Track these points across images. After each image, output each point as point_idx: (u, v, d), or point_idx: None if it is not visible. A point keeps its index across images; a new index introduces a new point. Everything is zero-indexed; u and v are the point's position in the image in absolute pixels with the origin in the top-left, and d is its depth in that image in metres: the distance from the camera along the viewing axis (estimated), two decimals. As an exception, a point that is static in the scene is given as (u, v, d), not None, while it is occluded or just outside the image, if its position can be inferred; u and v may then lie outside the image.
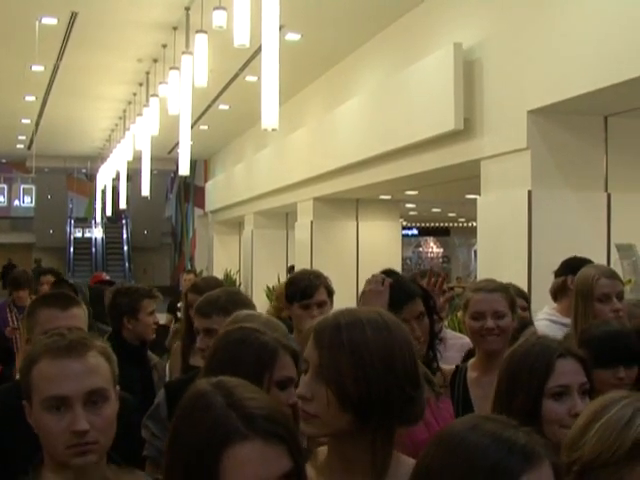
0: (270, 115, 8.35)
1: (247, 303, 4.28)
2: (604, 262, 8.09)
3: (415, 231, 32.99)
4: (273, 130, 8.80)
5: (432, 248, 34.79)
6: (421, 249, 34.68)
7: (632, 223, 8.61)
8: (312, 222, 15.75)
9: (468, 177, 10.19)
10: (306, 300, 4.58)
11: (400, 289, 3.58)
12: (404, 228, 29.52)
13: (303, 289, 4.63)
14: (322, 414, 2.09)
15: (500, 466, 1.47)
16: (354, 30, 12.55)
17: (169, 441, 1.77)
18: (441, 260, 34.20)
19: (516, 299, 3.97)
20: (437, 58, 9.89)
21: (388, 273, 3.79)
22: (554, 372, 2.61)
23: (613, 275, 4.32)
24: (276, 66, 8.32)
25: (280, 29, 10.35)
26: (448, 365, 4.00)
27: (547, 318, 4.91)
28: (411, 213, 24.35)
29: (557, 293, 5.28)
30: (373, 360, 2.08)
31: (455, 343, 4.82)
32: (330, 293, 4.75)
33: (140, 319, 5.50)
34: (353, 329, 2.14)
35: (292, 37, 12.74)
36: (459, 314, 6.93)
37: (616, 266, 8.09)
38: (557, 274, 5.51)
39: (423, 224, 32.01)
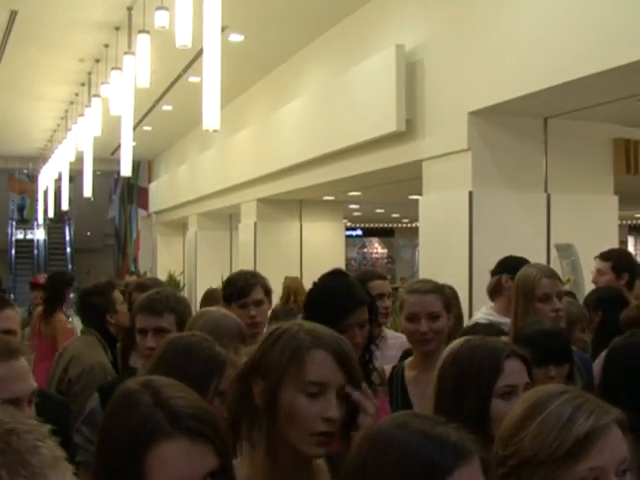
0: (212, 116, 8.34)
1: (187, 304, 4.29)
2: (544, 262, 8.18)
3: (359, 232, 33.06)
4: (215, 131, 8.77)
5: (377, 249, 34.86)
6: (366, 250, 34.74)
7: (571, 223, 8.74)
8: (256, 223, 15.73)
9: (410, 178, 10.25)
10: (243, 299, 4.60)
11: (351, 295, 3.60)
12: (348, 229, 29.58)
13: (240, 289, 4.66)
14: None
15: (432, 463, 1.48)
16: (297, 32, 12.56)
17: (97, 440, 1.78)
18: (385, 261, 34.30)
19: (452, 299, 4.00)
20: (379, 60, 9.94)
21: (337, 274, 3.79)
22: (503, 372, 2.63)
23: (553, 275, 4.36)
24: (218, 67, 8.30)
25: (223, 30, 10.36)
26: (389, 364, 4.02)
27: (484, 317, 4.95)
28: (355, 214, 24.41)
29: (493, 292, 5.33)
30: None
31: (395, 342, 4.85)
32: (267, 292, 4.77)
33: (119, 310, 5.72)
34: None
35: (235, 38, 12.71)
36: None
37: (555, 265, 8.20)
38: (493, 273, 5.57)
39: (367, 225, 32.12)
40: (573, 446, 1.77)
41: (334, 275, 3.77)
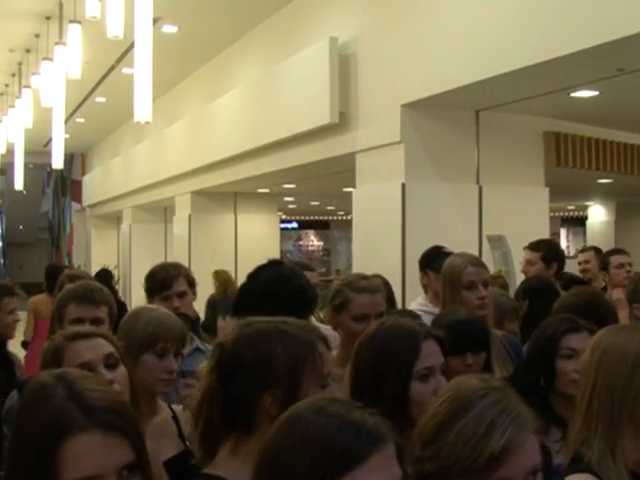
0: (143, 107, 8.27)
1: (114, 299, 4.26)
2: (476, 253, 8.27)
3: (295, 224, 33.09)
4: (147, 123, 8.71)
5: (312, 241, 34.90)
6: (301, 242, 34.75)
7: (502, 215, 8.84)
8: (190, 216, 15.67)
9: (344, 170, 10.27)
10: (165, 292, 4.55)
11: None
12: (284, 221, 29.57)
13: (161, 281, 4.59)
14: None
15: (349, 448, 1.49)
16: (232, 23, 12.50)
17: (11, 434, 1.75)
18: (321, 253, 34.36)
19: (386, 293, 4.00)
20: (313, 52, 9.94)
21: (275, 264, 3.76)
22: (421, 354, 2.64)
23: (479, 263, 4.39)
24: (149, 58, 8.24)
25: (157, 21, 10.28)
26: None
27: (418, 308, 4.97)
28: (290, 206, 24.41)
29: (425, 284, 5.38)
30: None
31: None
32: (191, 283, 4.72)
33: (0, 318, 5.30)
34: None
35: (169, 29, 12.62)
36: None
37: (487, 257, 8.30)
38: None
39: (303, 217, 32.14)
40: (489, 460, 1.79)
41: (272, 263, 3.75)
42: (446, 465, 1.83)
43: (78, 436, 1.58)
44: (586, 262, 7.12)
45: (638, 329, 2.69)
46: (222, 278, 11.60)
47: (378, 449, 1.51)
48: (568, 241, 30.38)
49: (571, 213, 27.27)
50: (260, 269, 3.72)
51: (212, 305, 11.33)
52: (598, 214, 21.15)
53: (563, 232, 30.35)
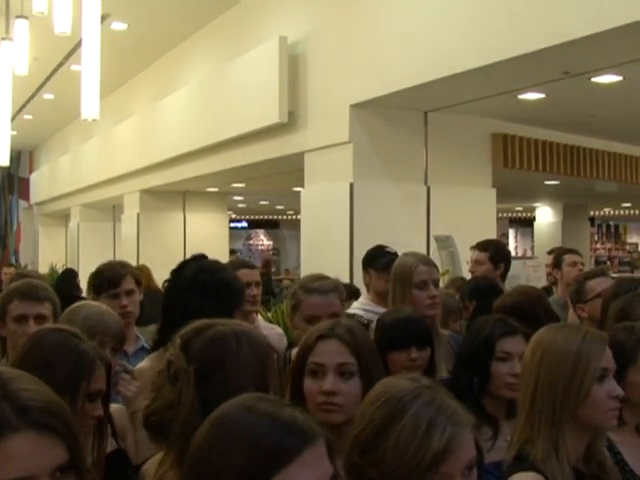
0: (91, 105, 8.21)
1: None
2: (423, 253, 8.32)
3: (245, 224, 33.01)
4: (94, 120, 8.64)
5: (262, 240, 34.84)
6: (251, 241, 34.67)
7: (450, 215, 8.91)
8: (139, 214, 15.59)
9: (294, 170, 10.28)
10: (113, 289, 4.50)
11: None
12: (233, 221, 29.47)
13: (110, 279, 4.54)
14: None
15: (281, 446, 1.48)
16: (182, 21, 12.45)
17: None
18: (271, 252, 34.28)
19: (344, 293, 3.97)
20: (262, 51, 9.93)
21: (199, 258, 3.75)
22: (313, 351, 2.66)
23: (430, 262, 4.40)
24: (97, 55, 8.18)
25: (106, 18, 10.19)
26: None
27: (361, 307, 4.98)
28: (240, 205, 24.33)
29: (368, 284, 5.39)
30: None
31: (269, 333, 4.82)
32: (138, 282, 4.69)
33: None
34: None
35: (118, 26, 12.53)
36: (283, 306, 6.95)
37: (434, 257, 8.33)
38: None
39: (252, 217, 32.06)
40: (432, 460, 1.80)
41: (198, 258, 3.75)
42: (390, 470, 1.83)
43: (11, 437, 1.56)
44: (548, 266, 7.17)
45: (578, 328, 2.73)
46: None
47: (310, 446, 1.51)
48: (516, 242, 30.64)
49: (519, 214, 27.51)
50: (184, 264, 3.72)
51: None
52: (545, 215, 21.36)
53: (511, 233, 30.60)
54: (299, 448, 1.50)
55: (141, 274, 5.05)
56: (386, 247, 5.34)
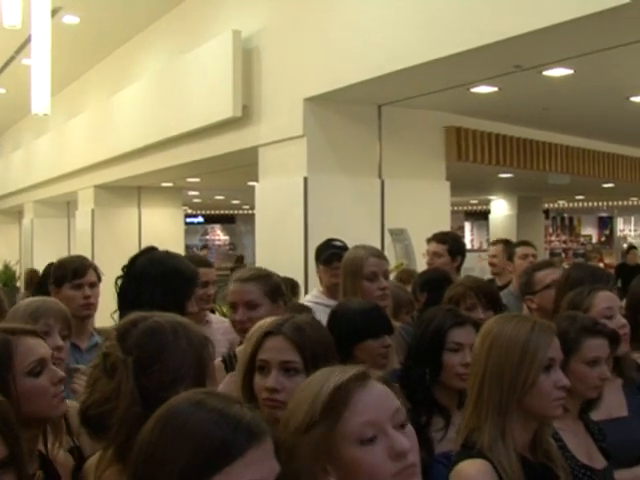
0: (41, 99, 8.15)
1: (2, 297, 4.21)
2: (378, 246, 8.34)
3: (201, 219, 32.92)
4: (45, 115, 8.59)
5: (219, 236, 34.76)
6: (208, 237, 34.59)
7: (404, 208, 8.94)
8: (93, 210, 15.49)
9: (248, 164, 10.26)
10: (78, 280, 4.49)
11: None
12: (189, 216, 29.38)
13: (75, 270, 4.53)
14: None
15: (226, 443, 1.48)
16: (135, 14, 12.36)
17: None
18: (228, 247, 34.24)
19: (281, 286, 3.95)
20: (216, 45, 9.88)
21: (148, 250, 3.74)
22: (260, 347, 2.68)
23: (380, 255, 4.44)
24: (48, 49, 8.12)
25: (57, 11, 10.09)
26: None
27: (312, 301, 5.00)
28: (195, 200, 24.26)
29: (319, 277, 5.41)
30: None
31: (220, 327, 4.84)
32: (99, 277, 4.69)
33: None
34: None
35: (70, 20, 12.40)
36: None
37: (389, 250, 8.38)
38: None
39: (208, 212, 32.00)
40: (325, 403, 1.80)
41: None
42: (295, 429, 1.84)
43: None
44: (493, 256, 7.22)
45: (527, 318, 2.76)
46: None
47: (256, 444, 1.50)
48: (472, 235, 30.84)
49: (475, 207, 27.70)
50: (134, 259, 3.71)
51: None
52: (500, 208, 21.53)
53: (467, 226, 30.80)
54: (245, 446, 1.49)
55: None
56: (334, 241, 5.36)
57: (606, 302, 3.60)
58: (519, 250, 6.54)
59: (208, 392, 1.66)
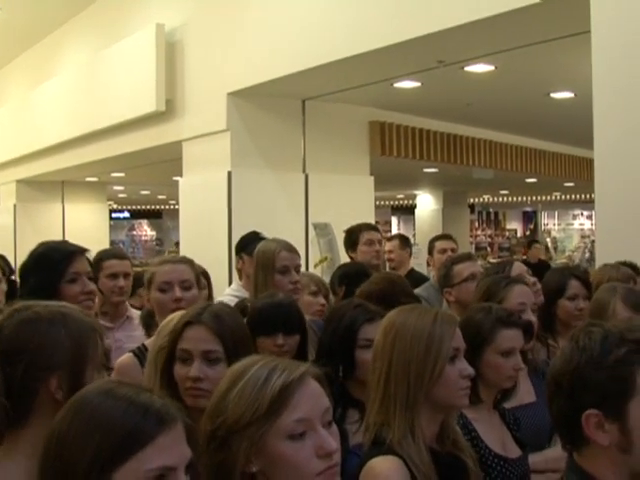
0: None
1: None
2: (302, 240, 8.39)
3: (127, 214, 32.61)
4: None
5: (145, 231, 34.49)
6: (134, 232, 34.29)
7: (328, 203, 8.97)
8: (15, 205, 15.25)
9: (173, 159, 10.20)
10: None
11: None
12: (115, 211, 29.10)
13: None
14: None
15: (136, 429, 1.50)
16: (57, 6, 12.19)
17: None
18: (154, 243, 33.99)
19: (200, 275, 3.99)
20: (139, 38, 9.80)
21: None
22: (181, 337, 2.69)
23: (292, 249, 4.44)
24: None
25: (-25, 2, 9.90)
26: (135, 344, 3.96)
27: (231, 294, 4.99)
28: (120, 195, 24.03)
29: (240, 270, 5.40)
30: None
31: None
32: (3, 272, 4.66)
33: None
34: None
35: (-10, 12, 12.22)
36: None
37: (313, 244, 8.40)
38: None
39: (135, 207, 31.69)
40: (271, 402, 1.82)
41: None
42: (233, 422, 1.85)
43: None
44: (390, 251, 7.31)
45: (428, 309, 2.77)
46: None
47: (166, 430, 1.53)
48: (399, 229, 31.04)
49: (401, 202, 27.88)
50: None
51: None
52: (426, 203, 21.71)
53: (394, 220, 30.99)
54: (154, 432, 1.52)
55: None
56: (260, 233, 5.36)
57: (520, 297, 3.67)
58: (438, 244, 6.60)
59: (119, 382, 1.68)
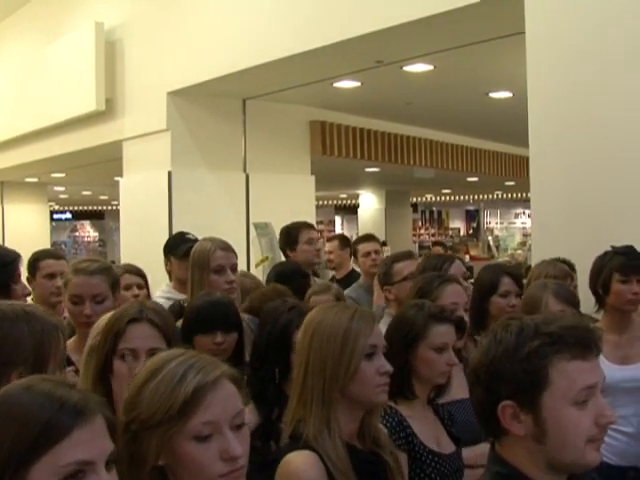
0: None
1: None
2: (244, 240, 8.41)
3: (69, 215, 32.27)
4: None
5: (88, 232, 34.17)
6: (77, 233, 33.95)
7: (269, 202, 8.98)
8: (-47, 207, 15.06)
9: (113, 159, 10.14)
10: None
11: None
12: (57, 212, 28.80)
13: None
14: None
15: (51, 422, 1.49)
16: (-3, 2, 12.07)
17: None
18: (97, 244, 33.70)
19: (119, 279, 3.96)
20: (78, 37, 9.72)
21: None
22: (124, 335, 2.68)
23: (228, 248, 4.42)
24: None
25: None
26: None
27: (162, 295, 4.98)
28: (61, 196, 23.78)
29: (170, 271, 5.37)
30: None
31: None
32: None
33: None
34: None
35: None
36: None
37: (254, 244, 8.41)
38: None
39: (77, 208, 31.36)
40: (184, 403, 1.84)
41: None
42: (146, 418, 1.87)
43: None
44: (329, 252, 7.30)
45: (347, 307, 2.78)
46: None
47: (82, 423, 1.52)
48: (343, 228, 31.10)
49: (344, 201, 27.95)
50: None
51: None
52: (369, 202, 21.79)
53: (338, 220, 31.06)
54: (70, 425, 1.51)
55: None
56: (187, 234, 5.35)
57: (453, 297, 3.71)
58: (360, 248, 6.45)
59: (43, 377, 1.68)
